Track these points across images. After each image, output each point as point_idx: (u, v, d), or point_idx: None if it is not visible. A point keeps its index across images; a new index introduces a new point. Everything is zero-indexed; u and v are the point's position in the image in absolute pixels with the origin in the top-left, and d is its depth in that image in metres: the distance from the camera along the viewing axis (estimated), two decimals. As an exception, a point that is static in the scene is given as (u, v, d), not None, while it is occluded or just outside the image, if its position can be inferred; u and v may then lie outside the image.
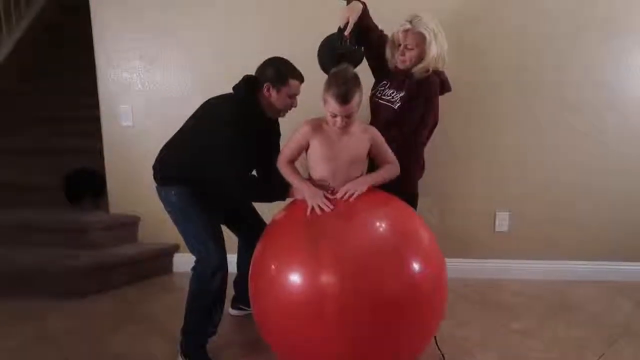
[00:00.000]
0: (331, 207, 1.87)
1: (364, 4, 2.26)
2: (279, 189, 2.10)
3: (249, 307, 2.46)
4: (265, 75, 2.11)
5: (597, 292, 2.99)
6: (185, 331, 2.18)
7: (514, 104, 3.01)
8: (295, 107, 2.20)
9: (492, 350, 2.31)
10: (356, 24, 2.20)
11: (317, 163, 2.04)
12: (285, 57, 2.16)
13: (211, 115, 2.14)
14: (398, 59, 2.24)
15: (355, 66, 2.19)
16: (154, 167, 2.24)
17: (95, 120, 3.26)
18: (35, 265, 2.89)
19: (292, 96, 2.16)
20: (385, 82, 2.35)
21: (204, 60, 3.07)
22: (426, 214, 2.42)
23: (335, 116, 1.90)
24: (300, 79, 2.15)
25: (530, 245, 3.16)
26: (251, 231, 2.32)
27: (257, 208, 2.47)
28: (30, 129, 4.09)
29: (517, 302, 2.85)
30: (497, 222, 3.15)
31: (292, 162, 2.10)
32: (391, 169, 2.09)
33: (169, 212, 2.21)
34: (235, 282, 2.59)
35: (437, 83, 2.25)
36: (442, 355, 2.22)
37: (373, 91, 2.40)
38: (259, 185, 2.20)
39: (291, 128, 2.14)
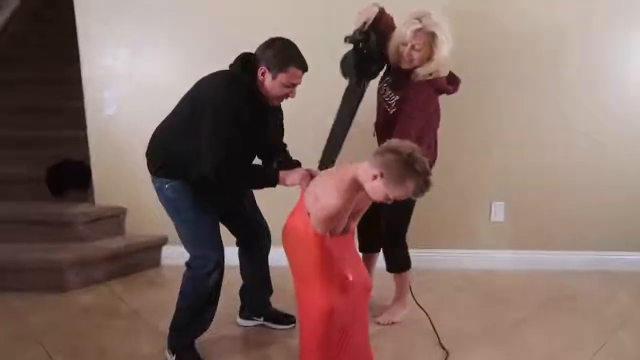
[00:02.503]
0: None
1: (381, 8, 2.21)
2: (268, 175, 1.97)
3: (259, 317, 2.40)
4: (264, 56, 1.89)
5: (594, 282, 2.97)
6: (174, 328, 2.08)
7: (509, 96, 2.98)
8: (293, 97, 1.97)
9: (491, 343, 2.26)
10: (371, 26, 2.16)
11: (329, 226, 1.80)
12: (291, 40, 1.95)
13: (198, 93, 1.96)
14: (403, 59, 2.13)
15: (370, 57, 2.18)
16: (146, 156, 2.10)
17: (80, 109, 3.15)
18: (18, 260, 2.80)
19: (290, 85, 1.92)
20: (388, 78, 2.28)
21: (191, 47, 2.98)
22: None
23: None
24: (303, 67, 1.92)
25: (526, 236, 3.14)
26: (250, 235, 2.24)
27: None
28: (12, 118, 3.95)
29: (515, 293, 2.82)
30: (492, 213, 3.11)
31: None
32: None
33: (163, 205, 2.07)
34: (242, 293, 2.42)
35: (432, 95, 2.17)
36: (447, 352, 2.17)
37: (379, 84, 2.32)
38: (244, 169, 1.97)
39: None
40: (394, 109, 2.18)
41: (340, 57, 2.23)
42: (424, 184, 1.64)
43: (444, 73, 2.17)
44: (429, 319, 2.40)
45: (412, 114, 2.12)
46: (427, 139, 2.23)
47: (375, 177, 1.67)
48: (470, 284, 2.92)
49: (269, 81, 1.90)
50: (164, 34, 3.00)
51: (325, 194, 1.74)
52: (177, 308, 2.08)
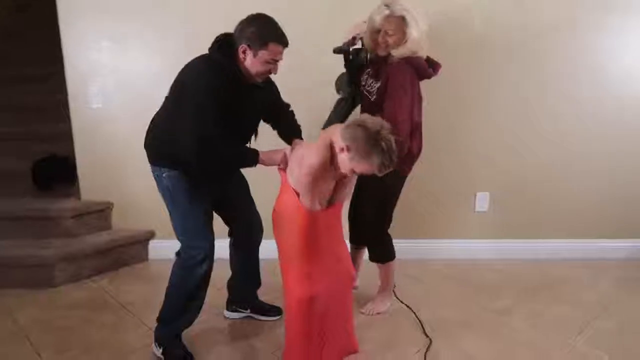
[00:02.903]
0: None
1: None
2: (248, 154, 1.93)
3: (245, 309, 2.43)
4: (243, 34, 1.86)
5: (576, 270, 3.02)
6: (162, 319, 2.11)
7: (493, 86, 2.99)
8: (275, 74, 1.97)
9: (474, 331, 2.31)
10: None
11: (314, 191, 1.84)
12: (271, 17, 1.91)
13: (180, 77, 1.93)
14: (379, 46, 2.18)
15: (357, 67, 2.30)
16: (144, 146, 2.07)
17: (64, 103, 3.12)
18: (4, 256, 2.79)
19: (272, 62, 1.90)
20: (369, 69, 2.29)
21: (174, 39, 2.95)
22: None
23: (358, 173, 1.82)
24: (284, 42, 1.89)
25: (510, 225, 3.18)
26: (243, 224, 2.25)
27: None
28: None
29: (498, 281, 2.86)
30: (477, 203, 3.15)
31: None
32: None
33: (161, 193, 2.06)
34: (230, 284, 2.44)
35: (411, 74, 2.17)
36: (430, 340, 2.21)
37: (361, 77, 2.35)
38: (224, 149, 1.90)
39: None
40: (374, 96, 2.20)
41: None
42: (388, 161, 1.69)
43: (422, 53, 2.20)
44: (412, 311, 2.45)
45: (395, 92, 2.13)
46: (410, 125, 2.22)
47: (342, 149, 1.73)
48: (454, 273, 2.96)
49: (250, 59, 1.88)
50: (147, 27, 2.97)
51: (306, 158, 1.80)
52: (166, 298, 2.10)
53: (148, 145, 2.04)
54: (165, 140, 1.95)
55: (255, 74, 1.92)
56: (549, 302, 2.60)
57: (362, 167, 1.74)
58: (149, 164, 2.02)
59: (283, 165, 1.94)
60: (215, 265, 2.08)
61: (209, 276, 2.07)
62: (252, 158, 1.93)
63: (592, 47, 2.94)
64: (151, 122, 2.06)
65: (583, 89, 2.99)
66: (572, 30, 2.92)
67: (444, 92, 2.87)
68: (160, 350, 2.07)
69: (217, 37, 1.94)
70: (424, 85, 2.28)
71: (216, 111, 1.83)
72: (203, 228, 2.03)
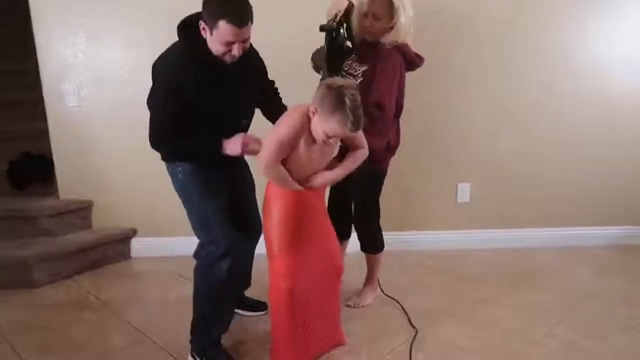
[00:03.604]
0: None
1: (351, 1, 2.23)
2: (208, 146, 1.84)
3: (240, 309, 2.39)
4: (203, 8, 1.68)
5: (558, 258, 3.07)
6: (196, 329, 2.01)
7: (474, 78, 3.00)
8: (237, 56, 1.73)
9: (459, 320, 2.33)
10: (342, 18, 2.17)
11: (297, 167, 1.86)
12: None
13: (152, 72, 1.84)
14: (366, 30, 2.16)
15: (341, 46, 2.18)
16: None
17: (40, 101, 3.05)
18: (-20, 257, 2.72)
19: (226, 43, 1.68)
20: (354, 55, 2.28)
21: (150, 34, 2.87)
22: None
23: (330, 137, 1.76)
24: (235, 21, 1.63)
25: (492, 215, 3.21)
26: (244, 226, 2.14)
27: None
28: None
29: (481, 271, 2.89)
30: (458, 194, 3.17)
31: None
32: (361, 154, 1.99)
33: (176, 190, 1.97)
34: None
35: (400, 61, 2.18)
36: (416, 330, 2.23)
37: (345, 57, 2.32)
38: (182, 144, 1.82)
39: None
40: (360, 79, 2.18)
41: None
42: (354, 118, 1.67)
43: (409, 40, 2.20)
44: (398, 303, 2.47)
45: (384, 76, 2.14)
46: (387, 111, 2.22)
47: (314, 113, 1.73)
48: (438, 265, 2.98)
49: (209, 37, 1.70)
50: (122, 22, 2.90)
51: (276, 128, 1.82)
52: (195, 306, 2.01)
53: None
54: None
55: (216, 55, 1.73)
56: (532, 290, 2.64)
57: (331, 126, 1.70)
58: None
59: (249, 152, 1.84)
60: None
61: (235, 273, 1.95)
62: (214, 148, 1.83)
63: (570, 37, 2.97)
64: None
65: (563, 78, 3.02)
66: (555, 18, 2.94)
67: (424, 82, 2.87)
68: None
69: (184, 18, 1.80)
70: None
71: (178, 110, 1.73)
72: (222, 221, 1.92)
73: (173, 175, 1.94)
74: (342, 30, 2.23)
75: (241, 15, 1.66)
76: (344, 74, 2.25)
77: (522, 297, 2.56)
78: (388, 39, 2.14)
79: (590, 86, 3.04)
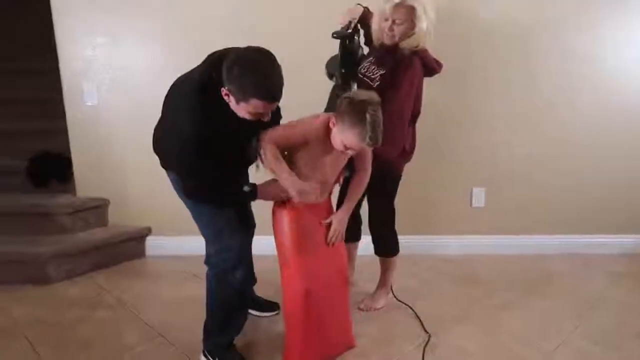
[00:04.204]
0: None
1: (366, 7, 2.29)
2: (241, 196, 1.84)
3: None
4: (227, 75, 1.57)
5: (572, 265, 3.03)
6: (209, 332, 2.01)
7: (489, 83, 2.99)
8: (267, 120, 1.71)
9: (471, 326, 2.32)
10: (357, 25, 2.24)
11: (308, 169, 1.88)
12: (267, 51, 1.60)
13: (174, 96, 1.79)
14: (386, 35, 2.15)
15: (354, 54, 2.24)
16: (155, 152, 1.95)
17: (58, 100, 3.10)
18: (-1, 252, 2.77)
19: (256, 114, 1.63)
20: (372, 57, 2.28)
21: (172, 33, 2.93)
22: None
23: (348, 149, 1.78)
24: (268, 97, 1.58)
25: (506, 221, 3.18)
26: (243, 220, 2.14)
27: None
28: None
29: (494, 277, 2.87)
30: (473, 199, 3.15)
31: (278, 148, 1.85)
32: (364, 179, 2.03)
33: (182, 198, 1.92)
34: None
35: (419, 68, 2.16)
36: (429, 335, 2.22)
37: (360, 65, 2.32)
38: (216, 193, 1.81)
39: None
40: (377, 83, 2.17)
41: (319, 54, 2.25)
42: (372, 133, 1.69)
43: (427, 45, 2.19)
44: (410, 307, 2.46)
45: (404, 82, 2.13)
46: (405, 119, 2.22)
47: (334, 124, 1.76)
48: (451, 269, 2.96)
49: (234, 104, 1.63)
50: (142, 22, 2.94)
51: (298, 123, 1.87)
52: (208, 311, 2.00)
53: (159, 153, 1.94)
54: (165, 148, 1.86)
55: (243, 117, 1.68)
56: (545, 297, 2.61)
57: (349, 139, 1.73)
58: (146, 161, 1.97)
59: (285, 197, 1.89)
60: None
61: (249, 282, 1.96)
62: (250, 197, 1.86)
63: (592, 40, 2.94)
64: (155, 131, 1.94)
65: (581, 83, 2.99)
66: (573, 23, 2.91)
67: (440, 86, 2.86)
68: None
69: (209, 60, 1.72)
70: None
71: (209, 154, 1.66)
72: (234, 229, 1.90)
73: (175, 183, 1.89)
74: (356, 38, 2.26)
75: (276, 93, 1.60)
76: (361, 76, 2.25)
77: (535, 304, 2.54)
78: (408, 44, 2.13)
79: (608, 90, 3.00)
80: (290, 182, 1.81)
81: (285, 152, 1.89)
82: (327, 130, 1.81)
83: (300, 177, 1.84)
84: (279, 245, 1.96)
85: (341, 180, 2.10)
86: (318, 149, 1.84)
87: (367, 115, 1.68)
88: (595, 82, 2.99)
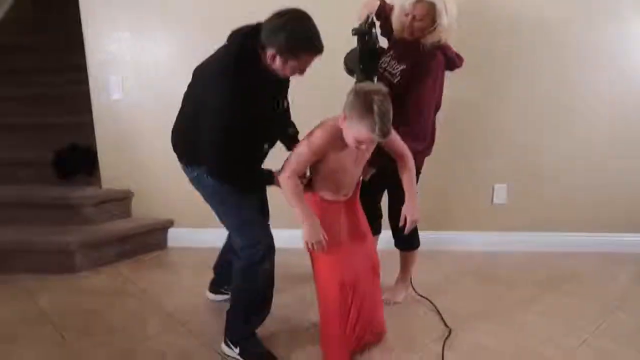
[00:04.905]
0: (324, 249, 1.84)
1: (382, 0, 2.29)
2: (264, 177, 1.89)
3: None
4: (273, 39, 1.68)
5: (594, 263, 2.98)
6: (232, 321, 2.04)
7: (511, 79, 2.96)
8: (302, 75, 1.82)
9: (492, 322, 2.30)
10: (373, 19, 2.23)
11: (328, 174, 1.90)
12: (300, 9, 1.72)
13: (202, 74, 1.84)
14: (407, 30, 2.13)
15: (373, 49, 2.24)
16: (173, 148, 1.99)
17: (85, 95, 3.17)
18: (27, 242, 2.85)
19: (303, 69, 1.77)
20: (392, 52, 2.27)
21: (196, 28, 2.96)
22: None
23: (361, 143, 1.74)
24: (318, 51, 1.72)
25: (528, 217, 3.15)
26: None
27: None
28: (19, 105, 3.97)
29: (515, 273, 2.84)
30: (495, 195, 3.13)
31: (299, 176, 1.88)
32: (409, 164, 2.00)
33: (202, 194, 1.96)
34: (217, 266, 2.46)
35: (442, 62, 2.15)
36: (449, 330, 2.22)
37: (381, 60, 2.32)
38: (245, 173, 1.87)
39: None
40: (398, 78, 2.17)
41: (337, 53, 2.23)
42: (381, 123, 1.65)
43: (450, 40, 2.18)
44: (430, 301, 2.46)
45: (425, 77, 2.12)
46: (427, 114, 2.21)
47: (344, 119, 1.74)
48: (472, 265, 2.95)
49: (279, 65, 1.73)
50: (167, 17, 2.99)
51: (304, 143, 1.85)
52: (233, 300, 2.03)
53: (178, 147, 1.97)
54: (198, 143, 1.83)
55: (284, 76, 1.81)
56: (567, 295, 2.58)
57: (359, 132, 1.69)
58: (169, 155, 2.00)
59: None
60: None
61: (273, 273, 1.97)
62: (269, 179, 1.89)
63: (614, 37, 2.89)
64: (175, 124, 1.98)
65: (605, 80, 2.94)
66: (602, 17, 2.86)
67: (461, 80, 2.84)
68: (237, 351, 2.00)
69: (242, 30, 1.79)
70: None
71: (241, 129, 1.72)
72: (258, 221, 1.93)
73: (198, 179, 1.92)
74: (374, 32, 2.25)
75: (320, 44, 1.73)
76: (382, 71, 2.25)
77: (557, 301, 2.51)
78: (429, 39, 2.11)
79: (637, 88, 2.95)
80: (305, 230, 1.81)
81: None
82: (339, 132, 1.78)
83: (325, 182, 1.90)
84: None
85: (367, 176, 2.10)
86: (336, 153, 1.84)
87: (374, 106, 1.64)
88: (627, 76, 2.94)
